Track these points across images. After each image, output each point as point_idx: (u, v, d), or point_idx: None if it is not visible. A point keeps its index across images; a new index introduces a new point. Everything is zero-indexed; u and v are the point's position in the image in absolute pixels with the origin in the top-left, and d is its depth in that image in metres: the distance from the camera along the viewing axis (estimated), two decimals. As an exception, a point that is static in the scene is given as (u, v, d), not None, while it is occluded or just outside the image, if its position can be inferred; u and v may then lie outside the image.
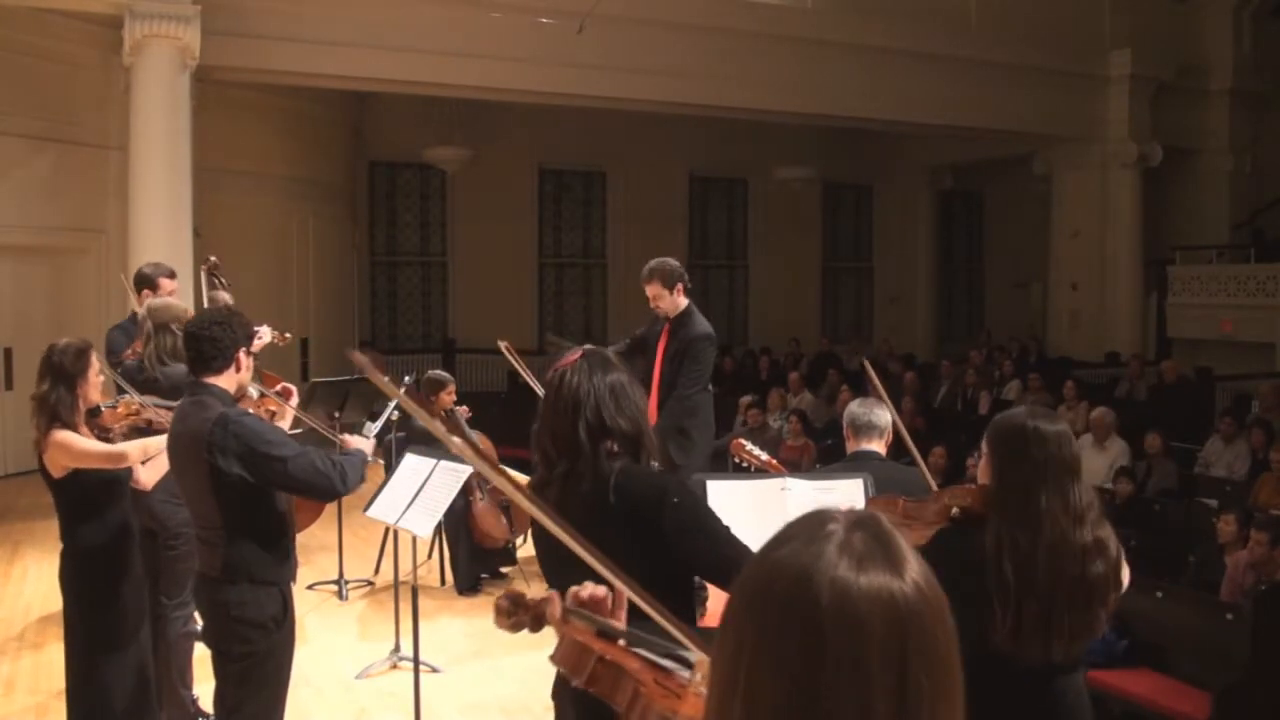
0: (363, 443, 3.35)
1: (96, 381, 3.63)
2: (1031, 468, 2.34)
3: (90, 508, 3.54)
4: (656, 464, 2.31)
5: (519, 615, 1.46)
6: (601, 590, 1.42)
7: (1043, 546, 2.29)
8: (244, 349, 3.17)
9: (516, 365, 5.12)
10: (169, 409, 3.38)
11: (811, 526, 0.96)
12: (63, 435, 3.46)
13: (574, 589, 1.44)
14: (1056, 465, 2.35)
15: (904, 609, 0.91)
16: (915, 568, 0.94)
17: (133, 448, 3.57)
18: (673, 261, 5.50)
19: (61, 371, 3.52)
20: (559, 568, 2.30)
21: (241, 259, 9.43)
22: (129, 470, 3.66)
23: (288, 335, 5.82)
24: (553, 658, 1.36)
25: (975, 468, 6.89)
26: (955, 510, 2.43)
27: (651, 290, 5.41)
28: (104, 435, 3.64)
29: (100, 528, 3.55)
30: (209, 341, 3.09)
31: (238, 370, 3.16)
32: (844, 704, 0.89)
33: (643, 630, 1.32)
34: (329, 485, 3.07)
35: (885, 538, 0.95)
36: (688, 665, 1.27)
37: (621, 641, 1.32)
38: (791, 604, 0.91)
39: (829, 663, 0.89)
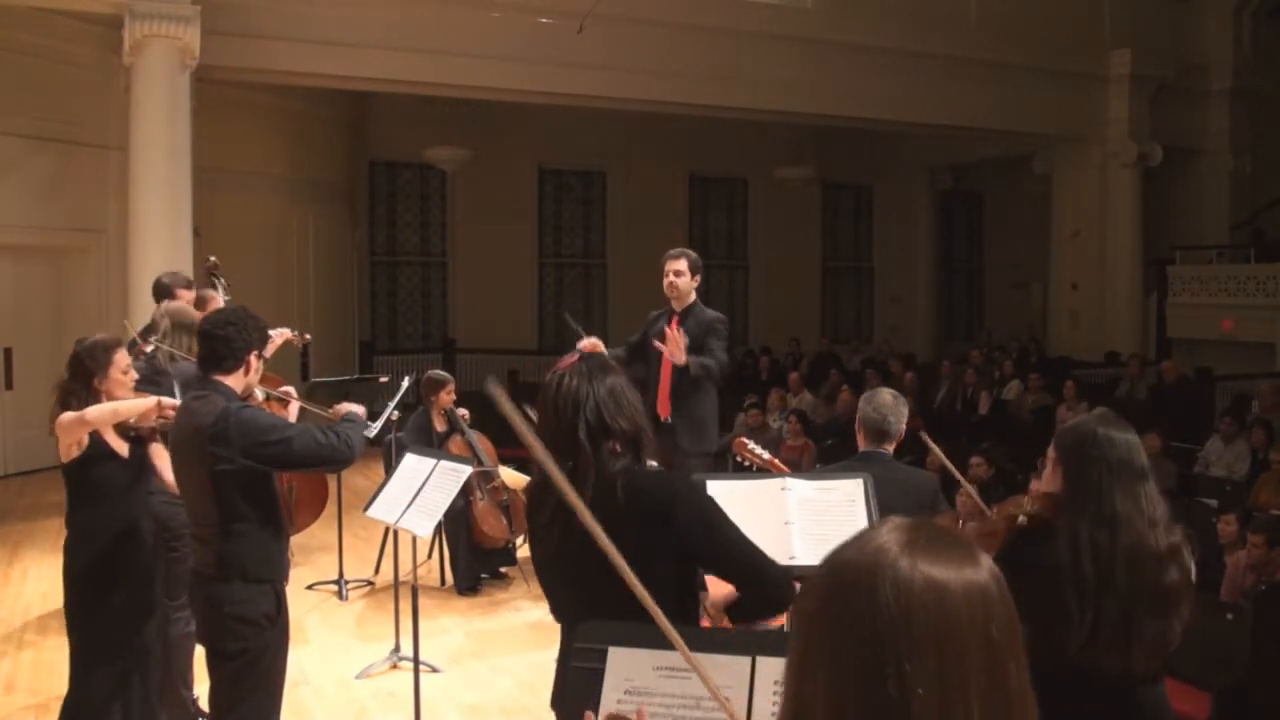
0: (353, 407, 3.38)
1: (122, 379, 3.65)
2: (1105, 468, 2.31)
3: (92, 499, 3.56)
4: (656, 464, 2.31)
5: None
6: None
7: (1121, 546, 2.24)
8: (255, 351, 3.19)
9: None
10: None
11: (877, 528, 0.99)
12: (60, 418, 3.47)
13: None
14: (1128, 469, 2.31)
15: (988, 595, 0.93)
16: (987, 559, 0.97)
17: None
18: None
19: (79, 366, 3.59)
20: (552, 577, 2.29)
21: (241, 259, 9.43)
22: (142, 468, 3.68)
23: (308, 336, 5.88)
24: None
25: (979, 466, 6.91)
26: (1022, 518, 2.37)
27: (676, 266, 5.47)
28: (131, 432, 3.67)
29: (100, 521, 3.56)
30: (222, 341, 3.12)
31: (247, 372, 3.18)
32: (934, 693, 0.89)
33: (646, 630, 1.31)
34: (335, 455, 3.12)
35: (951, 535, 0.98)
36: None
37: None
38: (873, 598, 0.92)
39: (917, 653, 0.90)
